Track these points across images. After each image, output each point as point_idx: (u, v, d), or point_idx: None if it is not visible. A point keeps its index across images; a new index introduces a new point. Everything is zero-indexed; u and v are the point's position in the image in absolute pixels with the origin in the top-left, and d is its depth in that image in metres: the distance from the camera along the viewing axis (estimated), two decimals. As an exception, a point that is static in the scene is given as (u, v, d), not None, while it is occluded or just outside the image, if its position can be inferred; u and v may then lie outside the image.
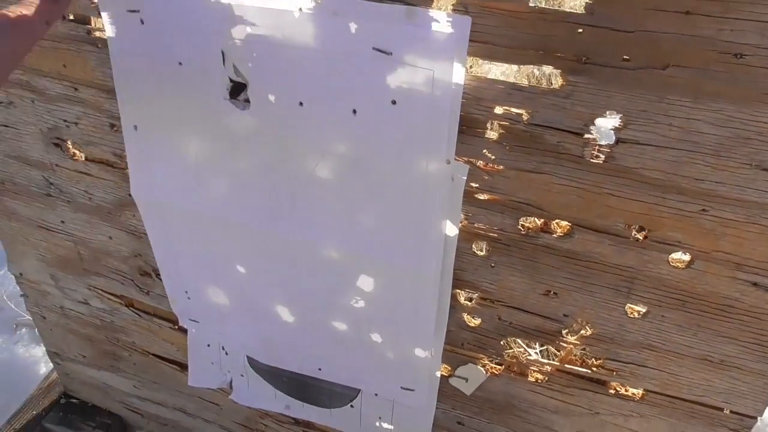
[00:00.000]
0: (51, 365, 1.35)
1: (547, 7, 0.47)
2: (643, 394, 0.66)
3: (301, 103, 0.58)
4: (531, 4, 0.47)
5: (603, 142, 0.52)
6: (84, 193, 0.83)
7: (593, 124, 0.51)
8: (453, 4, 0.49)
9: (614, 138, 0.51)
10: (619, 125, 0.50)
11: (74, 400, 1.29)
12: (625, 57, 0.47)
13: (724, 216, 0.51)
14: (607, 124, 0.51)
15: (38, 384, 1.34)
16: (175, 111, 0.65)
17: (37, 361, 1.50)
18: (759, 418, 0.63)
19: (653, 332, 0.60)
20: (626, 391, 0.67)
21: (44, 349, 1.47)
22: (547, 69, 0.50)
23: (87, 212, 0.86)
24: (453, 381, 0.76)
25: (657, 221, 0.53)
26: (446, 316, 0.69)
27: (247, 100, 0.61)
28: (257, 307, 0.81)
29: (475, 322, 0.69)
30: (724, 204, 0.50)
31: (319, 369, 0.85)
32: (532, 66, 0.50)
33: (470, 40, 0.49)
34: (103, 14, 0.62)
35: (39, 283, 1.04)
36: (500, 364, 0.72)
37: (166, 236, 0.79)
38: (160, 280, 0.86)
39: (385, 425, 0.88)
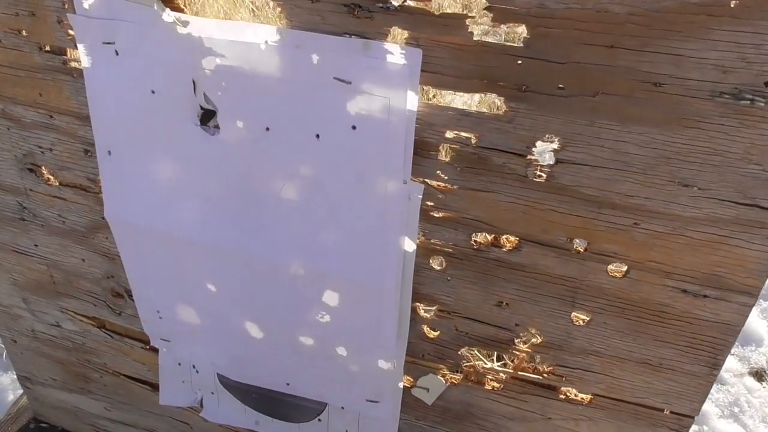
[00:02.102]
0: (18, 392, 1.35)
1: (490, 41, 0.52)
2: (591, 398, 0.71)
3: (267, 129, 0.62)
4: (475, 39, 0.52)
5: (544, 163, 0.57)
6: (58, 217, 0.86)
7: (534, 146, 0.56)
8: (406, 38, 0.54)
9: (554, 159, 0.56)
10: (558, 147, 0.55)
11: (44, 425, 1.29)
12: (560, 86, 0.52)
13: (654, 228, 0.56)
14: (546, 147, 0.56)
15: (6, 410, 1.34)
16: (148, 136, 0.69)
17: (5, 388, 1.50)
18: (695, 417, 0.67)
19: (597, 338, 0.65)
20: (575, 395, 0.71)
21: (11, 376, 1.47)
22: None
23: (60, 235, 0.88)
24: (415, 392, 0.80)
25: (594, 234, 0.58)
26: (407, 328, 0.73)
27: (217, 126, 0.65)
28: (227, 324, 0.84)
29: (434, 333, 0.73)
30: (653, 218, 0.56)
31: (287, 384, 0.87)
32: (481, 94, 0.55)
33: (422, 71, 0.54)
34: (80, 46, 0.65)
35: (10, 307, 1.05)
36: (459, 374, 0.76)
37: (139, 257, 0.82)
38: (133, 300, 0.89)
39: (353, 438, 0.91)
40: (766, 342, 1.74)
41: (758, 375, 1.66)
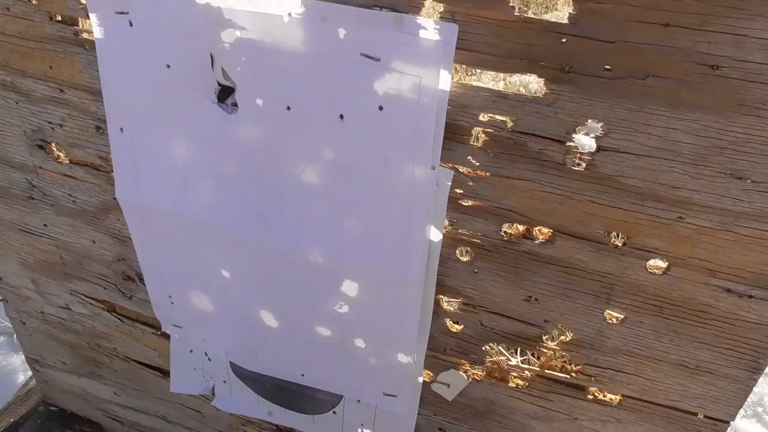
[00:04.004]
0: (29, 374, 1.33)
1: (532, 16, 0.48)
2: (620, 399, 0.67)
3: (288, 108, 0.59)
4: (516, 14, 0.48)
5: (584, 150, 0.53)
6: (68, 196, 0.83)
7: (575, 132, 0.52)
8: (440, 12, 0.50)
9: (595, 146, 0.52)
10: (600, 134, 0.51)
11: (53, 408, 1.28)
12: (606, 67, 0.48)
13: (700, 223, 0.52)
14: (588, 132, 0.53)
15: (16, 392, 1.32)
16: (162, 114, 0.66)
17: (15, 369, 1.48)
18: (731, 423, 0.64)
19: (631, 338, 0.62)
20: (604, 396, 0.68)
21: (22, 357, 1.45)
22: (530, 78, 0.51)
23: (70, 216, 0.85)
24: (435, 387, 0.77)
25: (635, 228, 0.55)
26: (429, 321, 0.70)
27: (235, 104, 0.61)
28: (241, 312, 0.81)
29: (457, 327, 0.70)
30: (699, 212, 0.52)
31: (302, 375, 0.85)
32: (516, 75, 0.51)
33: (457, 48, 0.50)
34: (92, 16, 0.62)
35: (19, 288, 1.03)
36: (482, 370, 0.73)
37: (151, 240, 0.79)
38: (144, 284, 0.86)
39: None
40: (788, 341, 1.69)
41: (780, 375, 1.61)
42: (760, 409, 1.48)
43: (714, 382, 0.61)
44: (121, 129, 0.69)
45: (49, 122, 0.76)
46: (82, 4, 0.63)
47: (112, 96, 0.67)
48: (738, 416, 1.49)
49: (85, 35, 0.66)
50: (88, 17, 0.62)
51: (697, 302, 0.57)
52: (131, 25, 0.60)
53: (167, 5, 0.57)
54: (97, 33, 0.63)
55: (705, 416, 0.65)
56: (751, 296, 0.55)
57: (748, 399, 1.53)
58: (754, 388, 1.56)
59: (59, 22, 0.66)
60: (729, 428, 1.45)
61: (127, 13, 0.60)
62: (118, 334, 0.99)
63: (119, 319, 0.96)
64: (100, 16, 0.61)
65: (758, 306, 0.55)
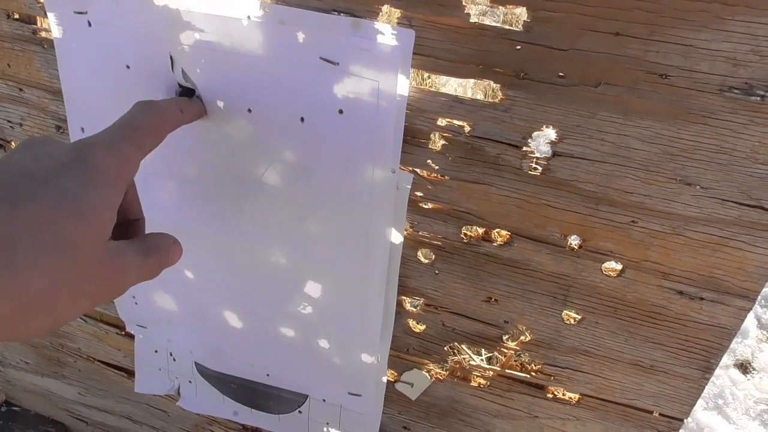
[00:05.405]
0: (-9, 373, 1.32)
1: (487, 23, 0.49)
2: (579, 398, 0.68)
3: (249, 110, 0.59)
4: (472, 20, 0.49)
5: (540, 155, 0.54)
6: (28, 195, 0.82)
7: (531, 138, 0.53)
8: (398, 18, 0.51)
9: (551, 151, 0.53)
10: (555, 139, 0.52)
11: (16, 408, 1.26)
12: (560, 74, 0.49)
13: (652, 227, 0.54)
14: (543, 138, 0.53)
15: (-22, 391, 1.30)
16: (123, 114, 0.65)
17: (-22, 368, 1.46)
18: (685, 420, 0.66)
19: (588, 338, 0.63)
20: (563, 395, 0.69)
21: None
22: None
23: (31, 215, 0.84)
24: (399, 386, 0.78)
25: (591, 231, 0.56)
26: (392, 322, 0.70)
27: (196, 106, 0.61)
28: (205, 313, 0.80)
29: (420, 327, 0.71)
30: (651, 216, 0.53)
31: (268, 375, 0.85)
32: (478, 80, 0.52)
33: (414, 53, 0.51)
34: (50, 15, 0.61)
35: (-20, 287, 1.01)
36: (444, 370, 0.74)
37: (113, 240, 0.78)
38: (107, 284, 0.85)
39: (333, 431, 0.88)
40: (751, 334, 1.74)
41: (743, 367, 1.66)
42: (720, 401, 1.52)
43: (668, 381, 0.63)
44: (82, 129, 0.68)
45: (9, 121, 0.74)
46: (40, 2, 0.62)
47: (72, 96, 0.66)
48: (699, 409, 1.53)
49: (43, 34, 0.65)
50: (46, 16, 0.61)
51: (651, 304, 0.58)
52: (90, 25, 0.60)
53: (125, 6, 0.56)
54: (56, 32, 0.62)
55: (660, 414, 0.66)
56: (702, 298, 0.56)
57: (710, 392, 1.57)
58: (715, 381, 1.60)
59: (17, 20, 0.65)
60: (691, 421, 1.48)
61: (86, 12, 0.59)
62: (82, 334, 0.98)
63: (83, 319, 0.95)
64: (59, 15, 0.61)
65: (709, 307, 0.57)
